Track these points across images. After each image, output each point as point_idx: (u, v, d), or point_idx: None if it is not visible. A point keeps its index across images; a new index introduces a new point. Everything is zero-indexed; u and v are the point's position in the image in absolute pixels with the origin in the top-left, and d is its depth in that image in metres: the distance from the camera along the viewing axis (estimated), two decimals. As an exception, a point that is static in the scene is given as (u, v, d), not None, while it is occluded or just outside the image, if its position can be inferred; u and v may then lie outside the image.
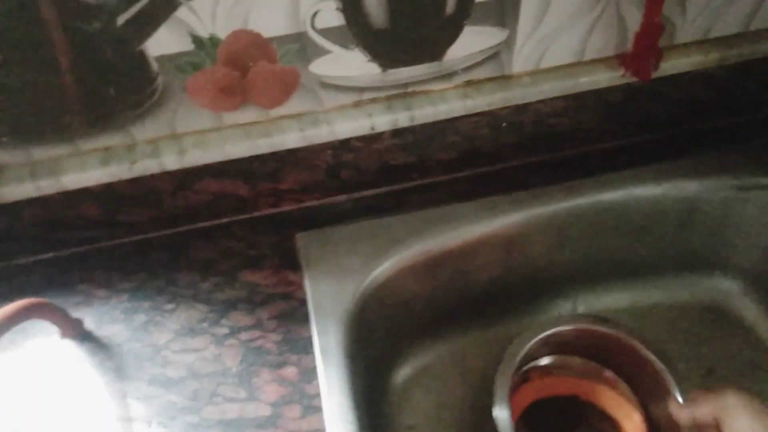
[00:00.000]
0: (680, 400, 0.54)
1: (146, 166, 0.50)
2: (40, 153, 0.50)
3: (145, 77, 0.47)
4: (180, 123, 0.50)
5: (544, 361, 0.62)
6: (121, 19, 0.43)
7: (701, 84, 0.58)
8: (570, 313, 0.65)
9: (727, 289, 0.66)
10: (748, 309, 0.66)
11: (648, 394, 0.58)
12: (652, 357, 0.56)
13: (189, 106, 0.49)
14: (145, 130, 0.50)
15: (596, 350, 0.60)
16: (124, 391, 0.48)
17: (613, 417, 0.59)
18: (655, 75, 0.54)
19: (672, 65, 0.55)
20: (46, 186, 0.50)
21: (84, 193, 0.52)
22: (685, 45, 0.55)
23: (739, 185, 0.59)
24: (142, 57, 0.45)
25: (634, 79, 0.54)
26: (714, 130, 0.62)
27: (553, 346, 0.60)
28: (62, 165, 0.50)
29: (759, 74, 0.58)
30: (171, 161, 0.50)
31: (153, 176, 0.51)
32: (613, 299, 0.66)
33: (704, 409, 0.44)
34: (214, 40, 0.45)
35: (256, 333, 0.50)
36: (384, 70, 0.50)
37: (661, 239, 0.63)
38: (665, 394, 0.55)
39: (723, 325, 0.65)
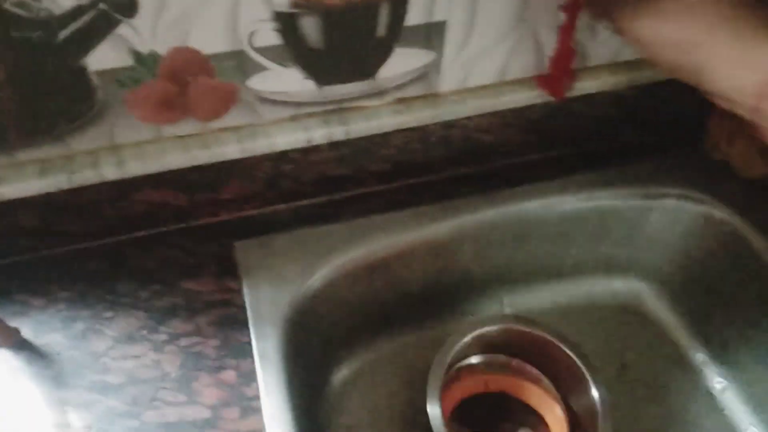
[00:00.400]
0: (597, 393, 0.59)
1: (85, 177, 0.51)
2: (-24, 164, 0.50)
3: (84, 90, 0.48)
4: (119, 135, 0.51)
5: (474, 360, 0.66)
6: (62, 35, 0.44)
7: (612, 103, 0.63)
8: (497, 313, 0.70)
9: (640, 290, 0.72)
10: (659, 309, 0.71)
11: (568, 388, 0.62)
12: (570, 354, 0.61)
13: (128, 119, 0.50)
14: (84, 142, 0.51)
15: (521, 348, 0.64)
16: (63, 399, 0.49)
17: (537, 410, 0.63)
18: (569, 95, 0.59)
19: (585, 86, 0.60)
20: (-18, 196, 0.50)
21: (22, 203, 0.52)
22: (596, 67, 0.60)
23: (646, 194, 0.65)
24: (82, 71, 0.47)
25: (550, 98, 0.59)
26: (624, 145, 0.67)
27: (481, 345, 0.64)
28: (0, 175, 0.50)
29: (663, 96, 0.64)
30: (110, 172, 0.52)
31: (92, 187, 0.52)
32: (537, 300, 0.71)
33: None
34: (154, 56, 0.47)
35: (195, 339, 0.52)
36: (320, 87, 0.53)
37: (579, 245, 0.68)
38: (583, 387, 0.60)
39: (636, 324, 0.71)
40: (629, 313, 0.71)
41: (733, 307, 0.64)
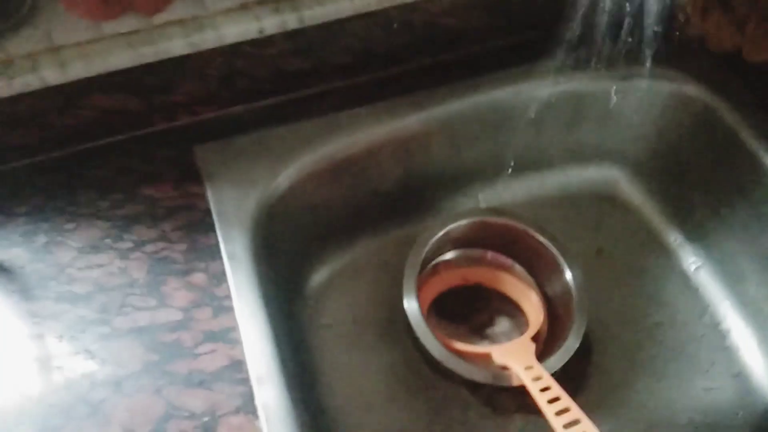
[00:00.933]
0: (571, 276, 0.59)
1: (26, 82, 0.48)
2: None
3: (10, -15, 0.44)
4: (58, 35, 0.48)
5: (449, 255, 0.65)
6: None
7: (580, -22, 0.60)
8: (468, 207, 0.69)
9: (615, 176, 0.71)
10: (634, 194, 0.71)
11: (543, 275, 0.63)
12: (543, 240, 0.61)
13: (65, 17, 0.47)
14: (20, 44, 0.48)
15: (495, 240, 0.64)
16: (31, 311, 0.48)
17: (514, 299, 0.63)
18: (535, -31, 0.56)
19: (551, -41, 0.57)
20: None
21: (-38, 115, 0.50)
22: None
23: (618, 75, 0.63)
24: (4, -38, 0.43)
25: (516, -26, 0.56)
26: (593, 26, 0.65)
27: (454, 240, 0.64)
28: (-68, 86, 0.47)
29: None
30: (52, 76, 0.49)
31: (36, 93, 0.50)
32: (512, 193, 0.70)
33: None
34: (82, -58, 0.43)
35: (161, 245, 0.51)
36: (267, -30, 0.49)
37: (553, 133, 0.67)
38: (558, 272, 0.60)
39: (612, 210, 0.70)
40: (604, 199, 0.71)
41: (707, 186, 0.64)
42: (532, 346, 0.56)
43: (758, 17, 0.60)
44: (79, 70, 0.49)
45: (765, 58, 0.61)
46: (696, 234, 0.66)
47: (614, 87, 0.63)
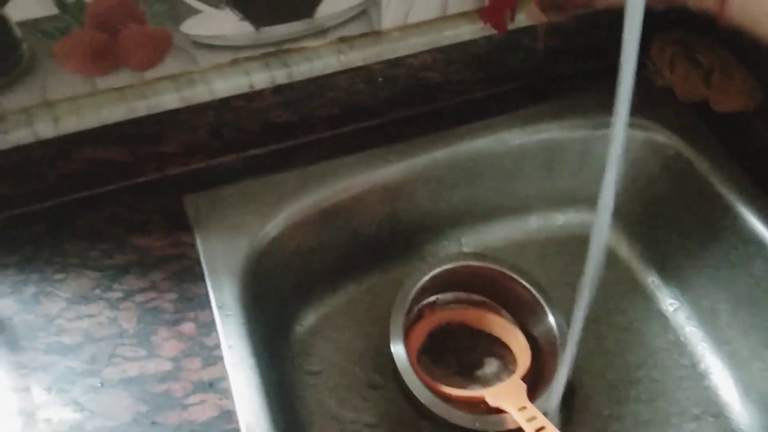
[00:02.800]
0: (553, 319, 0.60)
1: (20, 136, 0.49)
2: None
3: (8, 43, 0.46)
4: (52, 90, 0.49)
5: (434, 298, 0.67)
6: (-25, -17, 0.42)
7: (555, 34, 0.64)
8: (455, 252, 0.70)
9: (592, 220, 0.73)
10: (610, 236, 0.73)
11: (527, 318, 0.64)
12: (526, 284, 0.62)
13: (59, 72, 0.49)
14: (15, 99, 0.49)
15: (479, 284, 0.65)
16: (19, 363, 0.48)
17: (501, 339, 0.64)
18: (511, 27, 0.59)
19: (526, 18, 0.60)
20: None
21: (-46, 168, 0.50)
22: (537, -2, 0.60)
23: (594, 124, 0.66)
24: (3, 23, 0.44)
25: (493, 32, 0.59)
26: (569, 76, 0.68)
27: (440, 284, 0.65)
28: (-74, 140, 0.48)
29: (605, 24, 0.65)
30: (45, 129, 0.50)
31: (29, 146, 0.51)
32: (493, 237, 0.72)
33: None
34: (79, 3, 0.45)
35: (151, 294, 0.51)
36: (257, 29, 0.51)
37: (530, 179, 0.69)
38: (541, 315, 0.62)
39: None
40: (582, 243, 0.72)
41: (682, 230, 0.66)
42: (523, 387, 0.57)
43: (722, 71, 0.64)
44: (72, 123, 0.50)
45: (730, 107, 0.64)
46: (672, 276, 0.68)
47: (588, 135, 0.66)
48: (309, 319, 0.66)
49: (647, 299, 0.69)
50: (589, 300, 0.46)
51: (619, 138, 0.39)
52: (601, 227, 0.41)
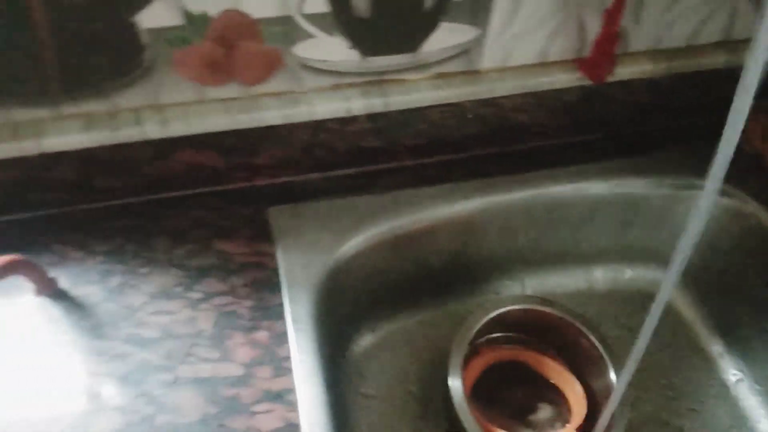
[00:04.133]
0: (614, 375, 0.59)
1: (128, 134, 0.52)
2: (22, 114, 0.51)
3: (134, 47, 0.48)
4: (164, 94, 0.52)
5: (494, 335, 0.67)
6: (117, -9, 0.44)
7: (648, 90, 0.64)
8: (520, 294, 0.70)
9: (662, 280, 0.72)
10: (680, 299, 0.72)
11: (586, 370, 0.63)
12: (590, 336, 0.62)
13: (174, 79, 0.51)
14: (129, 99, 0.51)
15: (541, 329, 0.65)
16: (99, 349, 0.50)
17: (558, 386, 0.64)
18: (608, 80, 0.59)
19: (624, 71, 0.60)
20: (27, 147, 0.51)
21: (64, 156, 0.53)
22: (637, 53, 0.60)
23: (677, 185, 0.65)
24: (133, 28, 0.47)
25: (589, 82, 0.59)
26: (658, 132, 0.68)
27: (502, 324, 0.65)
28: (44, 127, 0.51)
29: (700, 84, 0.64)
30: (153, 130, 0.52)
31: (134, 144, 0.53)
32: (558, 283, 0.71)
33: None
34: (204, 17, 0.47)
35: (229, 299, 0.53)
36: (363, 58, 0.53)
37: (605, 231, 0.69)
38: (602, 369, 0.61)
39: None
40: (650, 301, 0.71)
41: (754, 301, 0.65)
42: None
43: (817, 146, 0.63)
44: (178, 128, 0.53)
45: (821, 184, 0.63)
46: (738, 346, 0.67)
47: (670, 194, 0.65)
48: (367, 341, 0.66)
49: (710, 367, 0.67)
50: (641, 354, 0.46)
51: (707, 202, 0.39)
52: (668, 284, 0.41)
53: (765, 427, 0.63)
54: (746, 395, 0.65)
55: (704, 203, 0.38)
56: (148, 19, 0.47)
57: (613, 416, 0.57)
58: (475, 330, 0.62)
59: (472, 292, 0.71)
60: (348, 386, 0.64)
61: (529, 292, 0.72)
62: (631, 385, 0.60)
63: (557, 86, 0.59)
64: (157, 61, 0.50)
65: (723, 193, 0.64)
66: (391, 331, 0.68)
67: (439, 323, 0.69)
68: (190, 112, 0.53)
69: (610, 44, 0.56)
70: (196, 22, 0.47)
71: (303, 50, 0.51)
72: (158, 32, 0.48)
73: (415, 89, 0.56)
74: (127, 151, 0.54)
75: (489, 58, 0.56)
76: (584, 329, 0.62)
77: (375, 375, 0.65)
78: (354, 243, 0.58)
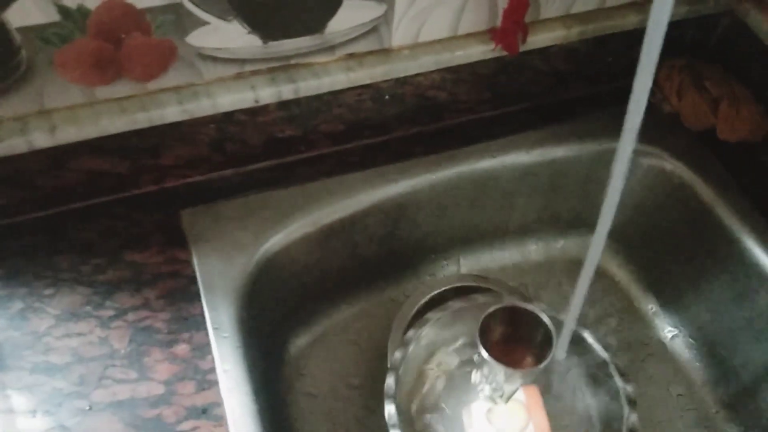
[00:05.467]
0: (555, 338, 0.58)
1: (14, 145, 0.47)
2: None
3: (6, 49, 0.44)
4: (49, 98, 0.47)
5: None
6: (-27, -13, 0.40)
7: (566, 57, 0.63)
8: (453, 274, 0.69)
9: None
10: (611, 262, 0.73)
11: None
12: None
13: (58, 81, 0.47)
14: (10, 106, 0.47)
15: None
16: (3, 382, 0.46)
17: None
18: (522, 49, 0.58)
19: (538, 39, 0.59)
20: None
21: (-57, 175, 0.48)
22: (549, 20, 0.59)
23: (600, 150, 0.65)
24: (3, 27, 0.42)
25: (504, 53, 0.58)
26: (578, 99, 0.67)
27: (439, 305, 0.64)
28: None
29: (613, 47, 0.64)
30: (41, 139, 0.48)
31: (23, 156, 0.49)
32: (493, 259, 0.71)
33: None
34: (82, 11, 0.43)
35: (144, 313, 0.50)
36: (265, 42, 0.50)
37: (534, 203, 0.68)
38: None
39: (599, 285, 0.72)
40: (581, 266, 0.72)
41: (683, 257, 0.66)
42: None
43: (730, 99, 0.63)
44: (69, 134, 0.48)
45: (737, 137, 0.64)
46: (672, 303, 0.68)
47: (594, 159, 0.65)
48: (304, 339, 0.64)
49: (645, 326, 0.68)
50: (576, 315, 0.45)
51: (622, 163, 0.39)
52: (597, 245, 0.41)
53: (702, 379, 0.65)
54: (682, 350, 0.67)
55: (620, 163, 0.37)
56: (17, 16, 0.42)
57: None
58: (411, 315, 0.60)
59: (408, 276, 0.70)
60: (288, 388, 0.61)
61: (464, 270, 0.71)
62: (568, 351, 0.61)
63: (473, 59, 0.58)
64: (36, 63, 0.45)
65: (644, 153, 0.64)
66: (328, 326, 0.66)
67: (377, 312, 0.67)
68: (81, 115, 0.48)
69: (520, 12, 0.55)
70: (72, 16, 0.43)
71: (198, 39, 0.48)
72: (32, 30, 0.43)
73: (325, 73, 0.53)
74: (16, 163, 0.49)
75: (399, 36, 0.54)
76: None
77: (315, 373, 0.63)
78: (276, 240, 0.55)
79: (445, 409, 0.53)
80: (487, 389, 0.52)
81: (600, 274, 0.72)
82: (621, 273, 0.72)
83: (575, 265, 0.71)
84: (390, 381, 0.51)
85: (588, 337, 0.55)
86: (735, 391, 0.62)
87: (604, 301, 0.70)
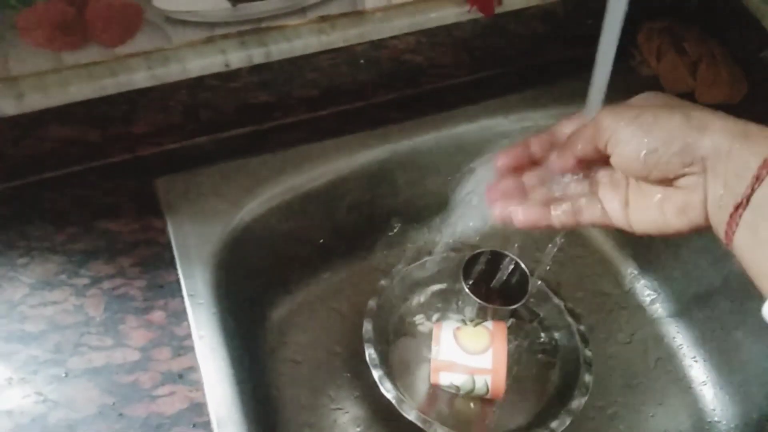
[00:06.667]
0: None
1: (-21, 113, 0.47)
2: None
3: (-35, 14, 0.43)
4: (14, 65, 0.47)
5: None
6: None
7: (542, 19, 0.62)
8: (435, 240, 0.69)
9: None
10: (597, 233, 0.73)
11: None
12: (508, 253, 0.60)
13: (23, 46, 0.46)
14: (-27, 74, 0.46)
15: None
16: (-23, 352, 0.46)
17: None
18: (498, 10, 0.57)
19: (514, 0, 0.58)
20: None
21: None
22: (525, -20, 0.58)
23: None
24: (-41, -9, 0.42)
25: (480, 15, 0.57)
26: (556, 62, 0.66)
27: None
28: None
29: (592, 8, 0.63)
30: (8, 106, 0.47)
31: (-11, 124, 0.48)
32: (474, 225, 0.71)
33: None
34: (42, -27, 0.42)
35: (119, 281, 0.49)
36: (234, 4, 0.49)
37: (513, 167, 0.68)
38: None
39: (572, 244, 0.72)
40: (564, 233, 0.72)
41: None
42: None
43: (709, 61, 0.63)
44: (36, 101, 0.48)
45: (716, 99, 0.63)
46: (651, 268, 0.68)
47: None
48: (284, 307, 0.64)
49: (625, 290, 0.69)
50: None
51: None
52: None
53: (680, 342, 0.65)
54: (660, 314, 0.67)
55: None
56: (-25, -21, 0.41)
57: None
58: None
59: (389, 244, 0.69)
60: (269, 355, 0.61)
61: (445, 237, 0.71)
62: (551, 317, 0.61)
63: (448, 21, 0.57)
64: (-2, 28, 0.44)
65: (623, 117, 0.64)
66: (310, 294, 0.66)
67: (358, 280, 0.67)
68: (48, 81, 0.48)
69: (494, -28, 0.54)
70: (33, -22, 0.42)
71: (165, 2, 0.47)
72: (-9, -6, 0.42)
73: (296, 36, 0.52)
74: (-18, 132, 0.49)
75: (372, -3, 0.53)
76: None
77: (297, 340, 0.63)
78: (251, 207, 0.55)
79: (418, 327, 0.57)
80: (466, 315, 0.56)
81: (582, 239, 0.72)
82: (600, 237, 0.72)
83: (553, 232, 0.72)
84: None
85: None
86: (712, 349, 0.63)
87: (584, 265, 0.71)
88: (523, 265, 0.57)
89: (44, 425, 0.43)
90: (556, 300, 0.61)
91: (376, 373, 0.53)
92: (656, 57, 0.65)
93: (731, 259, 0.58)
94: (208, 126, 0.56)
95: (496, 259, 0.57)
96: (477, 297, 0.54)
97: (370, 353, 0.54)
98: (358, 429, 0.57)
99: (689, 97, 0.64)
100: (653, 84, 0.65)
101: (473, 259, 0.57)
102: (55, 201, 0.53)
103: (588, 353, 0.57)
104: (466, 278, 0.56)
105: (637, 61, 0.66)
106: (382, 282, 0.59)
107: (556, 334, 0.61)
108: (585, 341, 0.58)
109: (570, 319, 0.60)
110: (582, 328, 0.59)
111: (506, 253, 0.57)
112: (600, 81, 0.37)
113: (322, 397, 0.59)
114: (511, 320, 0.59)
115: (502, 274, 0.58)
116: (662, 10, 0.66)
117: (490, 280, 0.58)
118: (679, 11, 0.67)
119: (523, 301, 0.55)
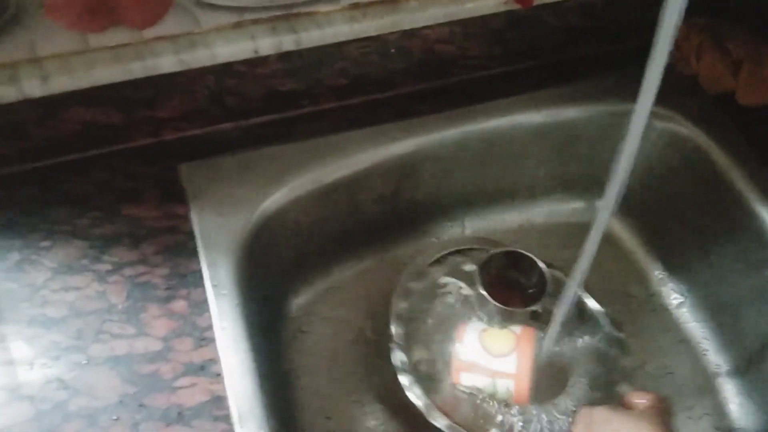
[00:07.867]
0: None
1: (4, 93, 0.46)
2: None
3: (-6, -8, 0.42)
4: (41, 45, 0.46)
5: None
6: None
7: (580, 12, 0.60)
8: (459, 236, 0.68)
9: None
10: (619, 227, 0.71)
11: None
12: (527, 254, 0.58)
13: (50, 27, 0.45)
14: (0, 53, 0.45)
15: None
16: (2, 334, 0.46)
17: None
18: (536, 2, 0.55)
19: (553, -8, 0.56)
20: None
21: (-67, 123, 0.47)
22: (565, -28, 0.56)
23: (613, 111, 0.62)
24: (-13, -32, 0.41)
25: (516, 6, 0.55)
26: (592, 57, 0.65)
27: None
28: None
29: (630, 4, 0.61)
30: (33, 88, 0.46)
31: (14, 105, 0.47)
32: (498, 221, 0.69)
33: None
34: (73, -48, 0.41)
35: (142, 268, 0.49)
36: (266, -10, 0.48)
37: (542, 164, 0.66)
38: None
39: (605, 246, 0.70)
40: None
41: (693, 224, 0.64)
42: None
43: (752, 61, 0.61)
44: (61, 83, 0.47)
45: (757, 101, 0.61)
46: (679, 270, 0.67)
47: (607, 121, 0.63)
48: (305, 297, 0.64)
49: (651, 292, 0.67)
50: (583, 277, 0.45)
51: (638, 126, 0.37)
52: (607, 208, 0.40)
53: (706, 347, 0.64)
54: (687, 318, 0.66)
55: (636, 126, 0.36)
56: (4, -44, 0.40)
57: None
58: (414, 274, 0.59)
59: (412, 237, 0.68)
60: (289, 345, 0.61)
61: (468, 232, 0.69)
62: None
63: (483, 12, 0.55)
64: (26, 7, 0.43)
65: (659, 116, 0.62)
66: (330, 284, 0.65)
67: (380, 272, 0.66)
68: (74, 63, 0.47)
69: (535, -37, 0.52)
70: (63, -43, 0.41)
71: (195, -15, 0.46)
72: (20, -28, 0.41)
73: (328, 23, 0.51)
74: (7, 113, 0.48)
75: (407, -15, 0.52)
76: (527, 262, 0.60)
77: (317, 330, 0.62)
78: (277, 197, 0.54)
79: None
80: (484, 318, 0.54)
81: (607, 236, 0.70)
82: (629, 238, 0.70)
83: (582, 230, 0.70)
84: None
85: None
86: (738, 357, 0.61)
87: (611, 266, 0.69)
88: (542, 265, 0.55)
89: (65, 412, 0.43)
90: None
91: (405, 380, 0.52)
92: (696, 56, 0.63)
93: (766, 265, 0.57)
94: (233, 112, 0.55)
95: (514, 258, 0.56)
96: (495, 299, 0.52)
97: (399, 357, 0.53)
98: (378, 422, 0.56)
99: (729, 97, 0.62)
100: (692, 83, 0.63)
101: (490, 260, 0.55)
102: (77, 184, 0.52)
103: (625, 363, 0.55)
104: (483, 279, 0.54)
105: (676, 60, 0.64)
106: (411, 284, 0.58)
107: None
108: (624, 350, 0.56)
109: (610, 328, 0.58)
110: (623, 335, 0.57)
111: (526, 253, 0.55)
112: (654, 76, 0.35)
113: (342, 389, 0.58)
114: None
115: (522, 275, 0.57)
116: (704, 7, 0.64)
117: (509, 281, 0.57)
118: (722, 8, 0.64)
119: (538, 304, 0.53)
